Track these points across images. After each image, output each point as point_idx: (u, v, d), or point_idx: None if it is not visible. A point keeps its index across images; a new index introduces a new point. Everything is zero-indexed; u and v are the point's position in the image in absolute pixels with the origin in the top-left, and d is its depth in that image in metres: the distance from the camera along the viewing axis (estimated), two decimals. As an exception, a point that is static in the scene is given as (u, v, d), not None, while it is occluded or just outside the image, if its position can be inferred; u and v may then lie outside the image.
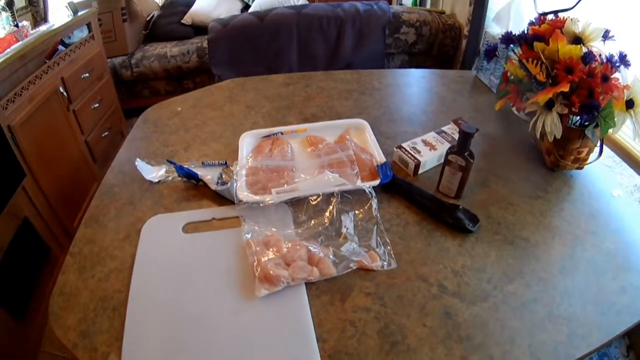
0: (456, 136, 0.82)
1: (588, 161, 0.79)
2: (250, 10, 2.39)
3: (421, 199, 0.72)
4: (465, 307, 0.56)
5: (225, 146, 0.89)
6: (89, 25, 1.75)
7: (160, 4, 2.64)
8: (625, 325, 0.54)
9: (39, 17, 1.76)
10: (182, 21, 2.43)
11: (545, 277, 0.60)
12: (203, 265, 0.62)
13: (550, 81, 0.71)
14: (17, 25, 1.48)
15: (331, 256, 0.62)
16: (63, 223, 1.40)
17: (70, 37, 1.60)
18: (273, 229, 0.66)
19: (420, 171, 0.80)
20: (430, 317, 0.54)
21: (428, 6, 2.39)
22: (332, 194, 0.72)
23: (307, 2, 2.35)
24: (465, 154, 0.68)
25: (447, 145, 0.81)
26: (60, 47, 1.51)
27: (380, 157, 0.80)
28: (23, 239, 1.18)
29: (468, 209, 0.70)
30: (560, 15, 0.79)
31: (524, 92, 0.79)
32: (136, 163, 0.80)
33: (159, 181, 0.78)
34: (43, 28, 1.50)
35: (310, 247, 0.62)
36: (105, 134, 1.81)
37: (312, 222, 0.68)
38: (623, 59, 0.68)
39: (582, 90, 0.67)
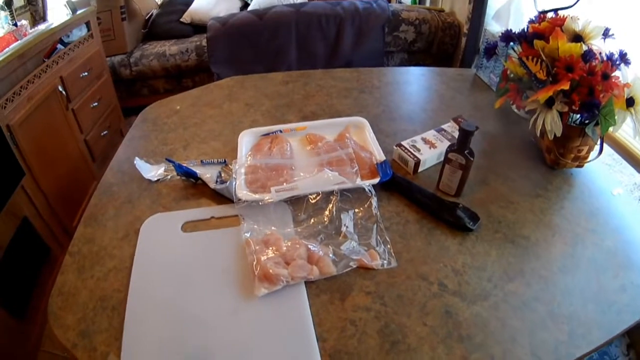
0: (456, 134, 0.81)
1: (588, 159, 0.79)
2: (250, 8, 2.38)
3: (421, 197, 0.72)
4: (466, 306, 0.56)
5: (225, 144, 0.89)
6: (87, 24, 1.75)
7: (159, 3, 2.63)
8: (625, 323, 0.54)
9: (38, 16, 1.75)
10: (181, 20, 2.43)
11: (545, 276, 0.60)
12: (202, 265, 0.62)
13: (551, 79, 0.70)
14: (15, 24, 1.48)
15: (331, 255, 0.61)
16: (62, 222, 1.40)
17: (69, 36, 1.60)
18: (272, 228, 0.66)
19: (420, 169, 0.80)
20: (431, 316, 0.54)
21: (427, 4, 2.39)
22: (331, 193, 0.72)
23: (307, 0, 2.34)
24: (465, 152, 0.67)
25: (446, 144, 0.81)
26: (59, 46, 1.51)
27: (380, 155, 0.80)
28: (23, 238, 1.18)
29: (468, 207, 0.70)
30: (560, 13, 0.79)
31: (524, 90, 0.79)
32: (135, 162, 0.79)
33: (158, 180, 0.78)
34: (42, 27, 1.49)
35: (309, 246, 0.62)
36: (104, 132, 1.81)
37: (312, 220, 0.68)
38: (623, 57, 0.68)
39: (582, 89, 0.67)
